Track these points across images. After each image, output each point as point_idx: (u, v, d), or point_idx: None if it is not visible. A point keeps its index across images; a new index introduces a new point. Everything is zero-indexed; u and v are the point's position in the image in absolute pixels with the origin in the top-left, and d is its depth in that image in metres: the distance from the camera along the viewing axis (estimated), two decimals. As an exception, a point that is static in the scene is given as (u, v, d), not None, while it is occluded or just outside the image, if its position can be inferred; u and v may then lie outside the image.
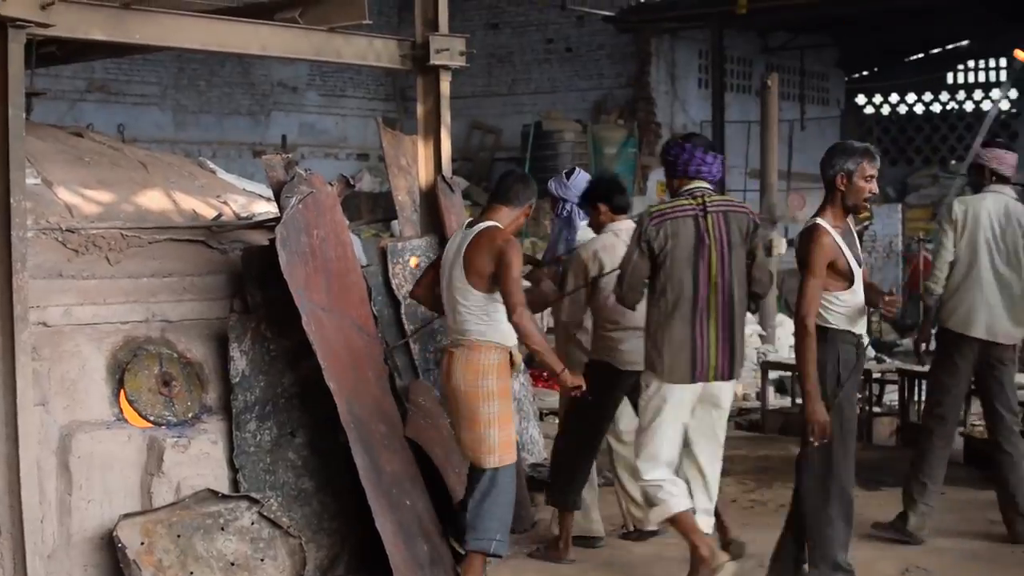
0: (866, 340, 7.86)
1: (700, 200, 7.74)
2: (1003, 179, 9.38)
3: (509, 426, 7.72)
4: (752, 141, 25.01)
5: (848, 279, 7.48)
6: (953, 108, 37.41)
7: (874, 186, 7.49)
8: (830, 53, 34.24)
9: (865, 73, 37.66)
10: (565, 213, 9.60)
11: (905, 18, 30.26)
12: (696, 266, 7.66)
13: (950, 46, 36.98)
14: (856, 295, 7.57)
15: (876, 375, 14.76)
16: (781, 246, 20.11)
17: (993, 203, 9.32)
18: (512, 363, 7.77)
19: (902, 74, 36.63)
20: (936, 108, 37.54)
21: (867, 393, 14.46)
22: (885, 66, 37.22)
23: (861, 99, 37.82)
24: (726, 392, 8.03)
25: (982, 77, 37.75)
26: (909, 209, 30.58)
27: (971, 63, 37.68)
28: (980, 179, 9.49)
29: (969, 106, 37.27)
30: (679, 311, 7.69)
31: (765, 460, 12.63)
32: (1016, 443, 9.47)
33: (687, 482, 8.12)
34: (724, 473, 11.72)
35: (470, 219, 8.01)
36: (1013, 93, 36.28)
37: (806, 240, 7.52)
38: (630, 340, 8.55)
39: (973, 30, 34.57)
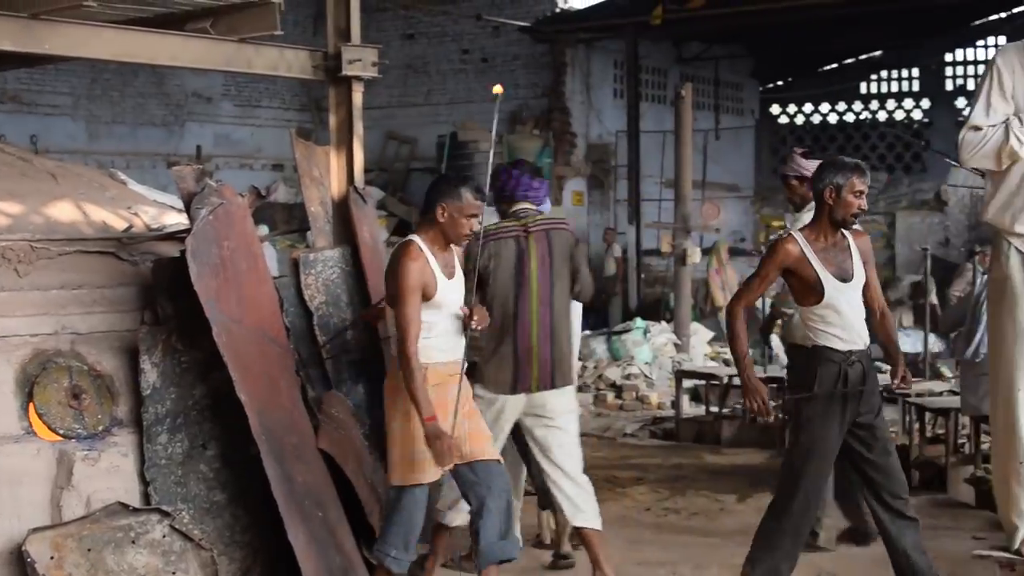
0: (870, 354, 7.82)
1: (524, 221, 8.32)
2: None
3: (413, 446, 7.42)
4: (667, 151, 25.12)
5: (817, 293, 7.48)
6: (866, 118, 37.90)
7: (863, 202, 7.48)
8: (744, 63, 34.49)
9: (779, 83, 38.01)
10: None
11: (818, 29, 30.52)
12: (518, 283, 8.18)
13: (863, 56, 37.41)
14: (834, 311, 7.42)
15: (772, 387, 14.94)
16: (695, 255, 20.26)
17: None
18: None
19: (816, 84, 37.05)
20: (849, 118, 37.98)
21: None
22: (799, 76, 37.61)
23: (776, 109, 38.16)
24: (553, 401, 8.33)
25: (895, 87, 38.28)
26: (824, 218, 30.82)
27: (884, 73, 38.17)
28: (804, 190, 9.34)
29: (882, 116, 37.73)
30: (504, 326, 8.18)
31: (679, 468, 12.72)
32: None
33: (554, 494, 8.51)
34: (638, 482, 11.90)
35: None
36: (926, 103, 36.76)
37: (768, 246, 7.74)
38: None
39: (885, 41, 34.99)
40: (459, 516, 8.36)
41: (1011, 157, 6.03)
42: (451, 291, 7.52)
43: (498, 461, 7.63)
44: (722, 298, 22.73)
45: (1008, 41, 6.05)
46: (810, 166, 9.22)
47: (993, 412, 6.26)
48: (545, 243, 8.26)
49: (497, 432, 8.23)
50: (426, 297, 7.36)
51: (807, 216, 9.11)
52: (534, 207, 8.45)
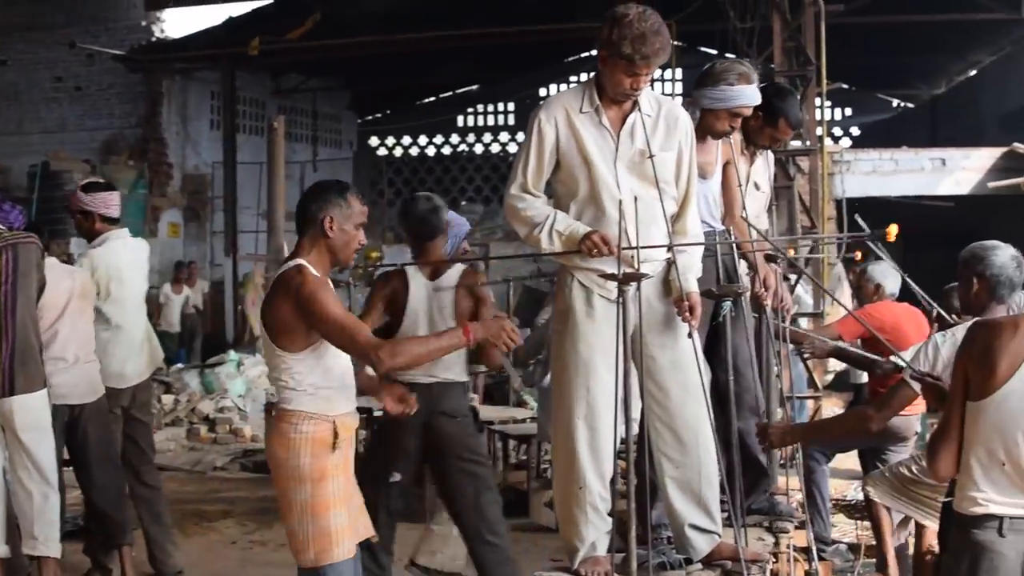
0: None
1: None
2: (112, 220, 9.44)
3: (328, 514, 6.07)
4: (264, 182, 25.11)
5: None
6: (463, 150, 38.62)
7: None
8: (342, 96, 34.78)
9: (378, 115, 38.43)
10: None
11: (415, 63, 31.01)
12: None
13: (460, 90, 38.19)
14: None
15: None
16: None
17: (123, 247, 9.50)
18: (336, 435, 6.13)
19: (414, 117, 37.58)
20: (447, 150, 38.66)
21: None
22: (397, 109, 38.10)
23: (374, 141, 38.55)
24: (16, 409, 8.21)
25: (490, 121, 39.19)
26: (421, 249, 31.25)
27: (480, 107, 39.03)
28: (90, 224, 9.37)
29: (479, 148, 38.58)
30: None
31: (266, 501, 12.67)
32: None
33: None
34: (225, 515, 11.84)
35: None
36: (521, 136, 37.74)
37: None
38: (65, 373, 8.74)
39: (479, 76, 35.81)
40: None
41: (535, 244, 6.35)
42: None
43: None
44: (259, 327, 23.05)
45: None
46: (91, 200, 9.33)
47: (555, 439, 6.50)
48: (9, 256, 8.23)
49: None
50: (314, 334, 6.08)
51: (98, 251, 9.25)
52: (3, 227, 8.46)
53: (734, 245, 7.45)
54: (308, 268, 6.03)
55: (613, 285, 6.07)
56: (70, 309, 8.98)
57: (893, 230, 6.54)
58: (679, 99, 7.12)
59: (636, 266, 6.04)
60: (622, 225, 6.06)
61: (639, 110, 6.27)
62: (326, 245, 6.11)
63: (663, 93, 30.42)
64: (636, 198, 6.09)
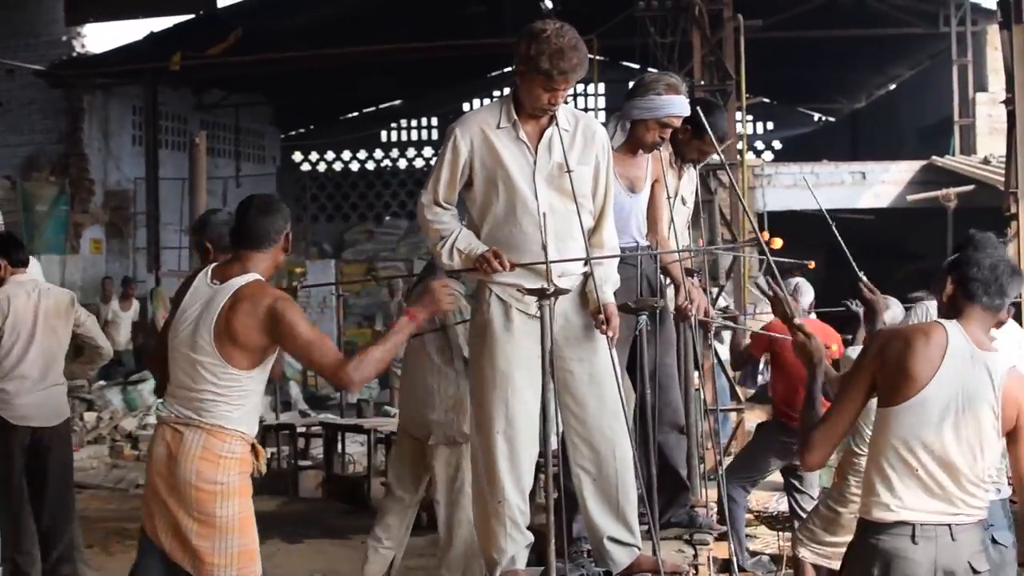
0: None
1: None
2: None
3: (251, 531, 6.06)
4: (187, 198, 24.99)
5: None
6: (387, 165, 38.61)
7: None
8: (265, 111, 34.67)
9: (302, 131, 38.35)
10: None
11: (338, 79, 30.97)
12: None
13: (383, 105, 38.17)
14: None
15: (301, 429, 15.05)
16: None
17: None
18: (256, 456, 6.14)
19: (337, 132, 37.51)
20: (371, 165, 38.62)
21: (293, 447, 14.72)
22: (320, 124, 38.03)
23: (298, 156, 38.47)
24: None
25: (414, 136, 39.23)
26: (346, 264, 31.23)
27: (403, 122, 39.05)
28: None
29: (402, 163, 38.56)
30: None
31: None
32: None
33: None
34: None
35: (213, 264, 6.23)
36: (428, 151, 37.89)
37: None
38: (31, 393, 8.64)
39: (402, 91, 35.80)
40: None
41: (439, 257, 6.39)
42: None
43: None
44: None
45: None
46: None
47: (474, 453, 6.51)
48: None
49: None
50: (270, 351, 6.06)
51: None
52: None
53: (657, 260, 7.48)
54: (264, 285, 5.94)
55: (531, 299, 6.09)
56: (40, 328, 8.87)
57: (778, 242, 6.63)
58: (601, 114, 7.17)
59: (549, 281, 6.06)
60: (540, 239, 6.09)
61: (556, 124, 6.29)
62: (277, 260, 6.09)
63: (585, 108, 30.42)
64: (552, 212, 6.12)
